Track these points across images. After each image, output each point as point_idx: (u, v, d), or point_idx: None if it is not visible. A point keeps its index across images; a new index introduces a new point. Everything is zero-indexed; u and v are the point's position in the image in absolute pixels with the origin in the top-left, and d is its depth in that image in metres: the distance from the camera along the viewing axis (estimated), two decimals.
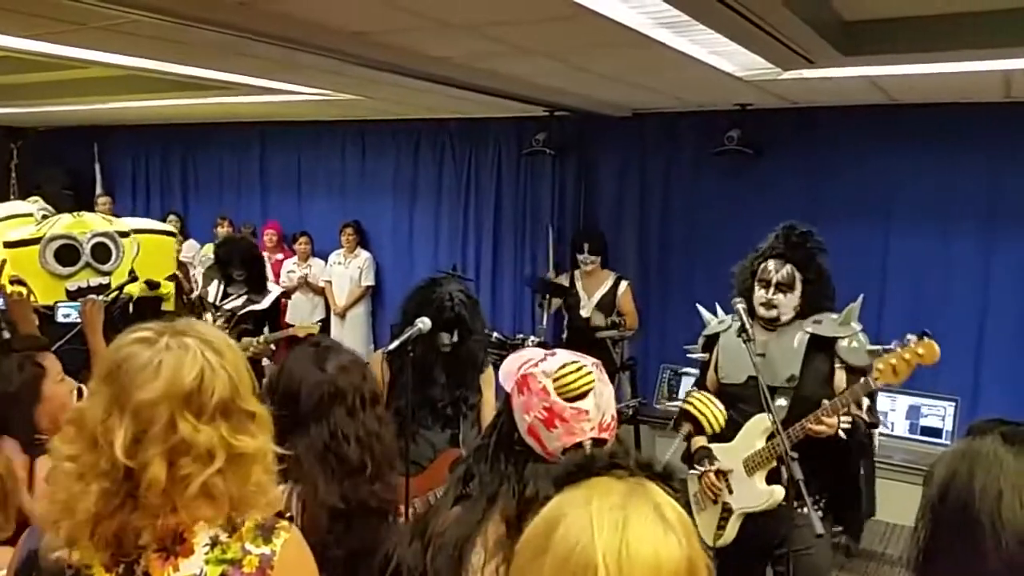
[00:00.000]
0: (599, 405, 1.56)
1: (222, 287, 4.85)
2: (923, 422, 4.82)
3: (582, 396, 1.56)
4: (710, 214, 6.27)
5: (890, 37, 3.72)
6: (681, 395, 5.20)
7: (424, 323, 3.03)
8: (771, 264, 3.04)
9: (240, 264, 4.84)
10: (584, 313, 5.70)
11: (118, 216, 7.23)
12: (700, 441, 3.11)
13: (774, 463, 2.90)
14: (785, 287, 3.02)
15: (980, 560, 1.27)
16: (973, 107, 5.26)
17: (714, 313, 3.37)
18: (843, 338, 2.97)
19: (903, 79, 4.47)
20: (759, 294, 3.04)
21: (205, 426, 1.31)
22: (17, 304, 3.46)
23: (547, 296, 6.01)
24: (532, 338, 5.60)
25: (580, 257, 5.82)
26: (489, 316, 7.06)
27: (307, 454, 1.97)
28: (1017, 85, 4.65)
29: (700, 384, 3.30)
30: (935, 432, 4.77)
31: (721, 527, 3.03)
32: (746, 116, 5.83)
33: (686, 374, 5.23)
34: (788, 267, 3.02)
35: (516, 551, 1.06)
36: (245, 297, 4.65)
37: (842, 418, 2.77)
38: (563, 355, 1.65)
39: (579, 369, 1.58)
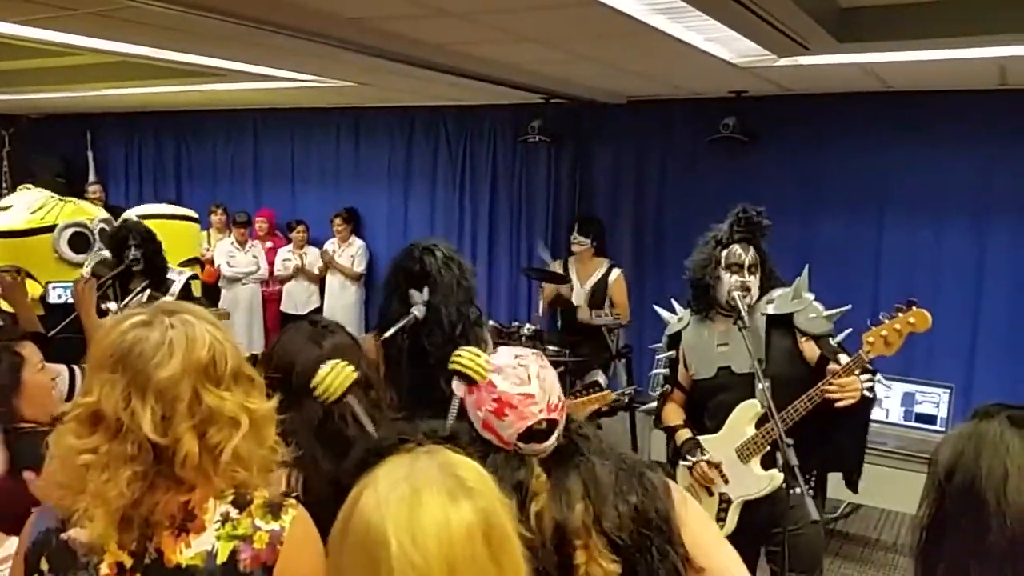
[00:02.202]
0: (544, 388, 1.63)
1: (118, 283, 4.14)
2: (917, 409, 4.83)
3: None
4: (706, 201, 6.24)
5: (885, 24, 3.72)
6: None
7: (420, 310, 3.01)
8: (737, 248, 3.02)
9: (138, 244, 4.07)
10: (576, 301, 5.70)
11: (112, 204, 7.24)
12: (685, 434, 3.12)
13: (768, 448, 2.90)
14: (755, 268, 3.01)
15: (984, 538, 1.30)
16: (968, 95, 5.26)
17: (672, 311, 3.34)
18: (799, 312, 2.96)
19: (898, 66, 4.47)
20: (732, 280, 2.99)
21: (226, 393, 1.36)
22: (11, 289, 3.45)
23: (540, 281, 6.02)
24: (528, 326, 5.60)
25: (571, 237, 5.84)
26: (485, 304, 7.06)
27: (302, 427, 1.95)
28: (1012, 73, 4.65)
29: (672, 382, 3.27)
30: (929, 419, 4.78)
31: (721, 518, 3.01)
32: (742, 103, 5.83)
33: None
34: (752, 250, 3.02)
35: (328, 544, 1.12)
36: (147, 294, 4.04)
37: (863, 380, 2.75)
38: (505, 352, 1.72)
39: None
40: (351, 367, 1.87)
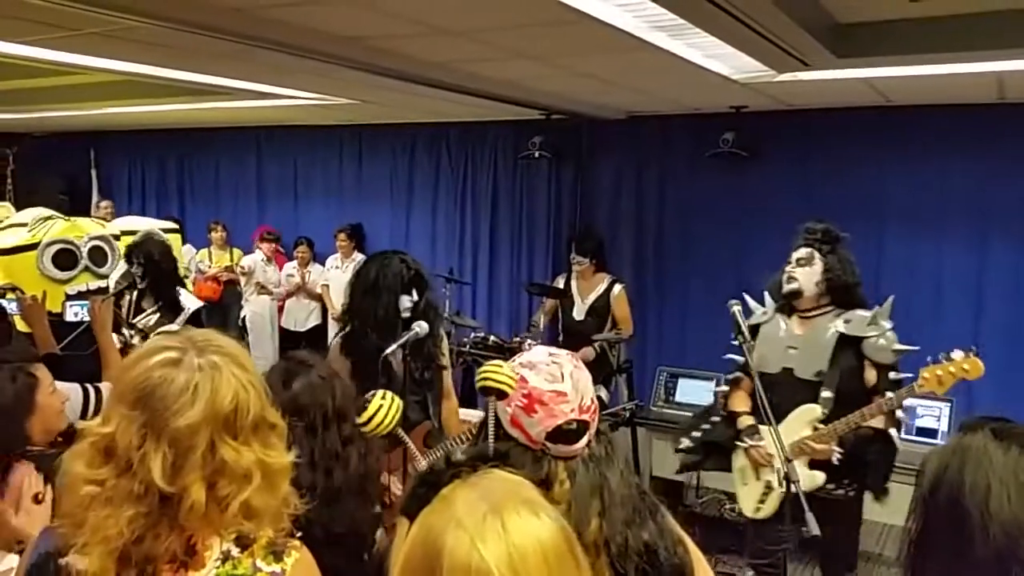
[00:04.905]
0: (576, 387, 1.58)
1: (134, 300, 4.27)
2: (918, 423, 4.82)
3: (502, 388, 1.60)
4: (706, 216, 6.28)
5: (884, 39, 3.74)
6: (678, 397, 5.21)
7: (421, 327, 3.04)
8: (796, 251, 3.41)
9: (141, 262, 4.18)
10: (577, 316, 5.71)
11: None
12: (747, 420, 3.41)
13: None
14: (804, 261, 3.35)
15: (969, 551, 1.31)
16: (967, 109, 5.28)
17: (761, 303, 3.59)
18: (870, 337, 3.23)
19: (897, 81, 4.48)
20: (785, 272, 3.39)
21: (243, 447, 1.31)
22: (32, 309, 3.47)
23: (542, 297, 6.03)
24: (529, 341, 5.60)
25: (570, 257, 5.85)
26: (486, 319, 7.09)
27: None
28: (1010, 87, 4.67)
29: (744, 371, 3.49)
30: (930, 433, 4.77)
31: (762, 501, 3.36)
32: (741, 118, 5.85)
33: (683, 376, 5.25)
34: (808, 249, 3.37)
35: None
36: (158, 316, 4.12)
37: (836, 451, 3.16)
38: (539, 349, 1.68)
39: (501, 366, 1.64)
40: (400, 400, 1.87)
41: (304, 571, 1.38)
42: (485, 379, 1.58)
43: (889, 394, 3.16)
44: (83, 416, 2.69)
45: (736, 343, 3.01)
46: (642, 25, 3.34)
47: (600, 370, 5.31)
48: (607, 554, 1.51)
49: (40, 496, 1.92)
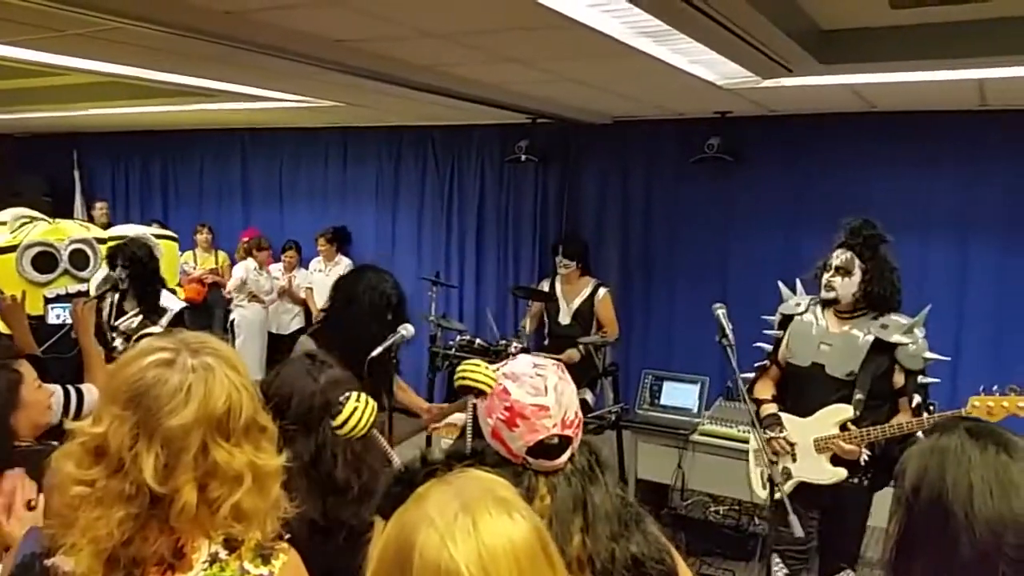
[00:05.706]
0: (560, 402, 1.54)
1: (116, 301, 4.21)
2: None
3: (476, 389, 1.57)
4: (691, 221, 6.32)
5: (866, 46, 3.78)
6: (663, 400, 5.21)
7: (407, 330, 3.04)
8: (837, 252, 3.40)
9: (125, 264, 4.12)
10: (562, 320, 5.72)
11: (114, 223, 7.22)
12: (770, 408, 3.48)
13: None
14: (843, 271, 3.34)
15: (954, 551, 1.32)
16: (949, 115, 5.33)
17: (793, 291, 3.63)
18: (903, 345, 3.26)
19: (880, 87, 4.52)
20: (824, 278, 3.40)
21: (235, 449, 1.31)
22: (11, 309, 3.44)
23: (528, 300, 6.05)
24: (515, 344, 5.60)
25: (556, 260, 5.86)
26: (472, 322, 7.09)
27: (291, 464, 1.94)
28: (992, 94, 4.72)
29: (771, 359, 3.60)
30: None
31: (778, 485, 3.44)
32: (726, 124, 5.88)
33: (668, 379, 5.26)
34: (849, 253, 3.35)
35: None
36: (140, 318, 4.07)
37: (864, 454, 3.23)
38: (523, 359, 1.63)
39: (478, 365, 1.60)
40: (374, 402, 1.85)
41: (291, 574, 1.39)
42: (463, 378, 1.56)
43: (917, 397, 3.24)
44: (64, 417, 2.67)
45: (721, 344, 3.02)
46: (627, 31, 3.35)
47: (585, 373, 5.32)
48: (591, 570, 1.48)
49: (32, 503, 1.90)
